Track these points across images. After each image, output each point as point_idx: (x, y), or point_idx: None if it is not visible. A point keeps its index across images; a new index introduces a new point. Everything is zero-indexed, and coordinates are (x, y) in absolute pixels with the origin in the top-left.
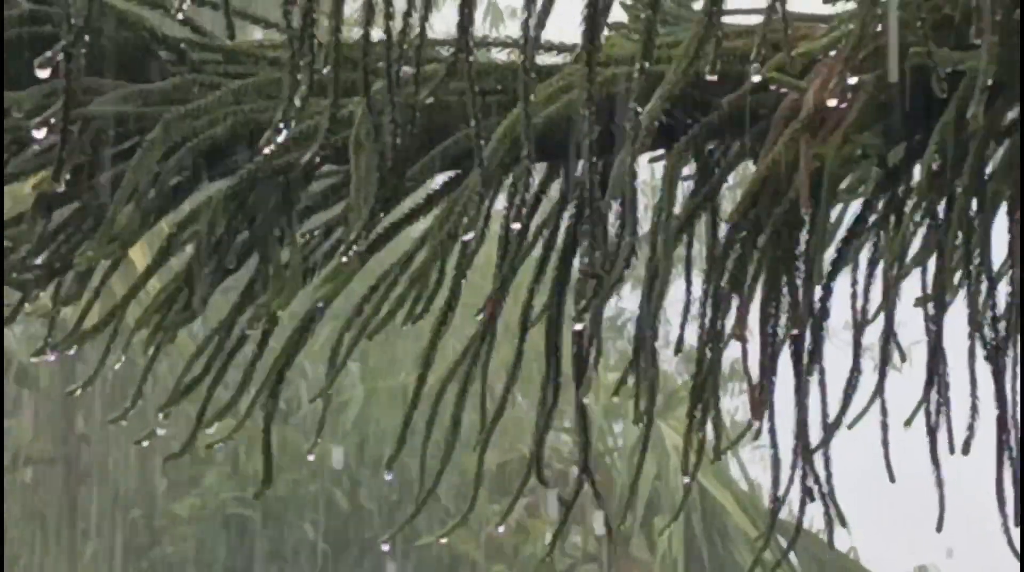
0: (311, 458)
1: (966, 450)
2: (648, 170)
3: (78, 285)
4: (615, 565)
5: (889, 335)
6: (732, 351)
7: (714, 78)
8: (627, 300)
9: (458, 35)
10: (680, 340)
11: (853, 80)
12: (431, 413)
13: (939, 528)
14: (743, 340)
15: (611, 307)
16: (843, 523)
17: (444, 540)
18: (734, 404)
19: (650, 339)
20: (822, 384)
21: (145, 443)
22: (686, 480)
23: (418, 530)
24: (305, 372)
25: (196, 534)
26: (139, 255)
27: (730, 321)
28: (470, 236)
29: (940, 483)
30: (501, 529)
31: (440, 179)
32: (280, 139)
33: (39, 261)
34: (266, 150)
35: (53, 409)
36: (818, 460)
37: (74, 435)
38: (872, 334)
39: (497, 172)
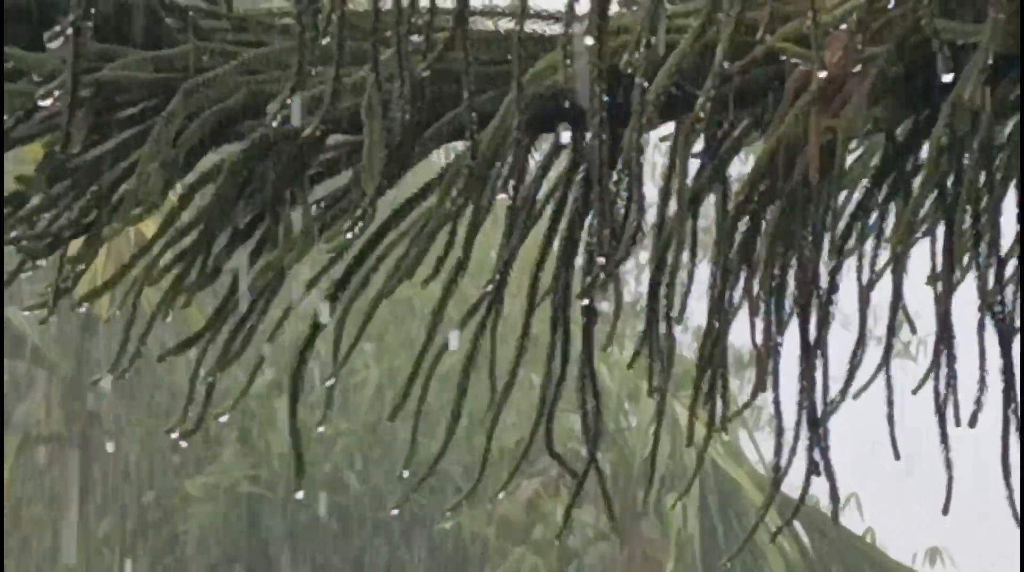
0: (321, 430)
1: (972, 423)
2: (653, 148)
3: (87, 249)
4: (628, 543)
5: (897, 305)
6: (746, 338)
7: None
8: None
9: (456, 6)
10: (683, 309)
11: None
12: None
13: (945, 511)
14: (753, 312)
15: (629, 292)
16: (838, 499)
17: (450, 513)
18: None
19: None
20: (824, 357)
21: (175, 435)
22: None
23: (432, 513)
24: (318, 352)
25: (209, 512)
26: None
27: (737, 293)
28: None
29: (949, 464)
30: (501, 496)
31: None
32: (291, 105)
33: (50, 228)
34: (274, 121)
35: (65, 388)
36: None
37: (86, 414)
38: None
39: (505, 141)
